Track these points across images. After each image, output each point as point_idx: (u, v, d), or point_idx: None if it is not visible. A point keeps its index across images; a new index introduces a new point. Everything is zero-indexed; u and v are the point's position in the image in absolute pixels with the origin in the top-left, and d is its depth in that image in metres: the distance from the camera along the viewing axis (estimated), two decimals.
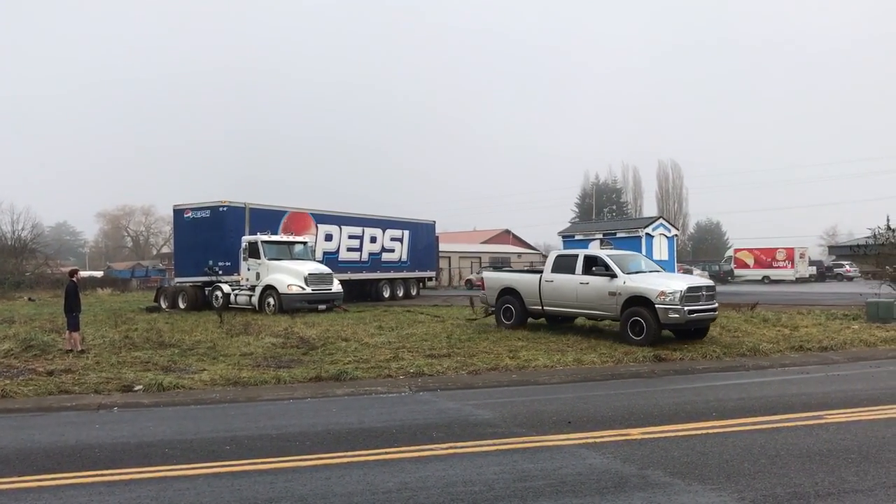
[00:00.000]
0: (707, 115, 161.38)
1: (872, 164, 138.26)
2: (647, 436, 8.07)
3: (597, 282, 16.87)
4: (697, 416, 9.13)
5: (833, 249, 77.08)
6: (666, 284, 15.73)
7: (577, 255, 18.03)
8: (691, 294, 15.58)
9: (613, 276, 16.53)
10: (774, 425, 8.54)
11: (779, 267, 57.74)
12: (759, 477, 6.40)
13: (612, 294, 16.44)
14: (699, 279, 17.51)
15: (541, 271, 18.82)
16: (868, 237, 26.56)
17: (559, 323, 19.46)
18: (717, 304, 16.79)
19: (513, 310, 19.26)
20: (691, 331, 16.46)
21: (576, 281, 17.41)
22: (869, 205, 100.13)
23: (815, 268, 63.18)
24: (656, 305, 15.46)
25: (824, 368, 13.64)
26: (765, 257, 60.23)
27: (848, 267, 61.46)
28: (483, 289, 20.55)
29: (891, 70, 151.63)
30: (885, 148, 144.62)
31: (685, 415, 9.22)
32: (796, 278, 57.11)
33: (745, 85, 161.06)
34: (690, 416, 9.15)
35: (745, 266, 59.78)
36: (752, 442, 7.74)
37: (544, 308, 18.44)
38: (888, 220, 23.92)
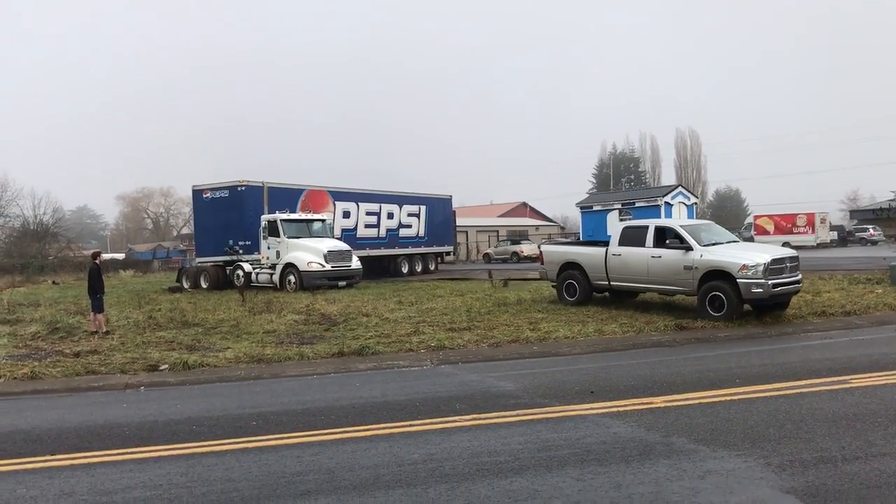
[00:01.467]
0: (725, 81, 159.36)
1: (893, 127, 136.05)
2: (670, 404, 8.07)
3: (670, 255, 15.85)
4: (721, 383, 9.11)
5: (855, 214, 76.29)
6: (748, 257, 14.84)
7: (647, 227, 16.90)
8: (775, 266, 14.76)
9: (689, 248, 15.53)
10: (799, 391, 8.50)
11: (799, 233, 57.10)
12: (784, 442, 6.39)
13: (688, 268, 15.44)
14: (783, 250, 16.55)
15: (606, 244, 17.85)
16: (891, 199, 26.21)
17: (625, 298, 18.32)
18: (800, 276, 15.95)
19: (576, 285, 18.13)
20: (770, 305, 15.44)
21: (647, 254, 16.36)
22: (891, 167, 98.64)
23: (836, 233, 62.44)
24: (738, 279, 14.51)
25: (848, 333, 13.55)
26: (785, 223, 59.60)
27: (872, 230, 60.62)
28: (542, 263, 19.55)
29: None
30: None
31: (708, 382, 9.20)
32: (817, 244, 56.48)
33: (762, 48, 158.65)
34: (713, 383, 9.13)
35: (766, 232, 59.15)
36: (776, 407, 7.73)
37: (611, 283, 17.39)
38: None
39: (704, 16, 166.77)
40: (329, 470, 6.08)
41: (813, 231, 57.64)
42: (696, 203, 39.25)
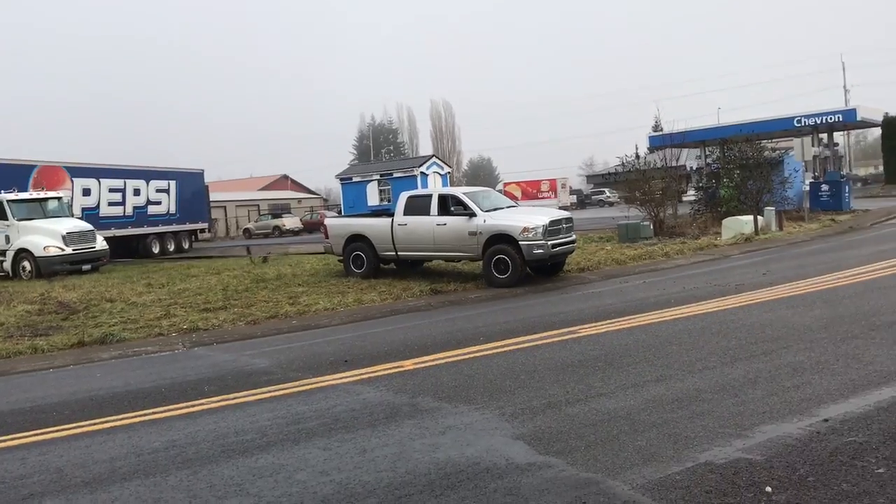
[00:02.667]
0: (475, 54, 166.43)
1: (623, 97, 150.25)
2: (419, 366, 8.38)
3: (455, 222, 16.00)
4: (467, 341, 9.60)
5: (590, 178, 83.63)
6: (528, 220, 15.29)
7: (430, 196, 16.98)
8: (553, 227, 15.36)
9: (472, 214, 15.75)
10: (535, 343, 9.19)
11: (544, 197, 61.56)
12: (518, 392, 6.89)
13: (473, 234, 15.65)
14: (558, 212, 17.06)
15: (392, 214, 17.50)
16: (618, 165, 28.94)
17: (411, 268, 18.29)
18: (575, 237, 16.73)
19: (363, 257, 17.73)
20: (549, 266, 16.24)
21: (432, 223, 16.38)
22: (621, 134, 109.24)
23: (575, 196, 68.19)
24: (520, 242, 14.95)
25: (581, 288, 14.84)
26: (531, 189, 64.00)
27: (608, 193, 66.74)
28: (326, 237, 18.86)
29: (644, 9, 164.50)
30: (634, 79, 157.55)
31: (456, 342, 9.66)
32: (559, 206, 61.30)
33: (500, 22, 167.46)
34: (460, 342, 9.61)
35: (515, 198, 62.98)
36: (514, 360, 8.30)
37: (398, 254, 17.26)
38: (636, 149, 26.25)
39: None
40: (58, 469, 5.63)
41: (556, 195, 62.36)
42: (449, 172, 40.77)
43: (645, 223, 23.82)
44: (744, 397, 6.18)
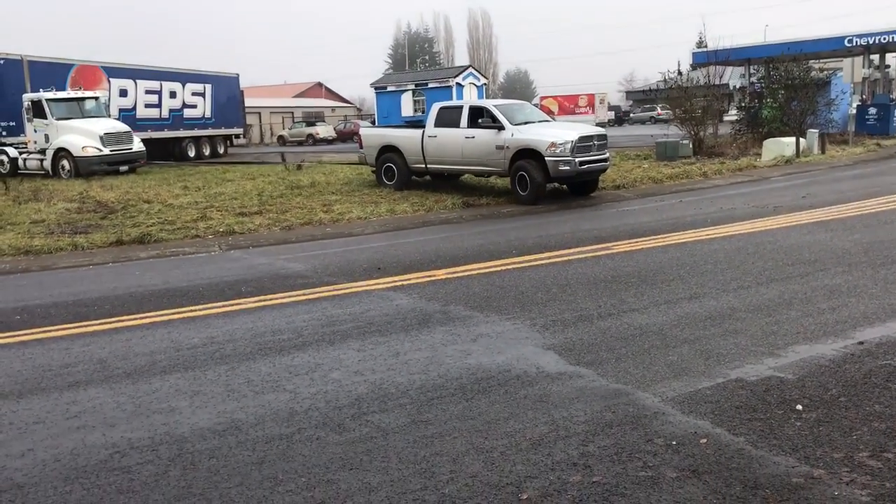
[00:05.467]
0: None
1: (667, 11, 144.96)
2: (451, 275, 8.44)
3: (483, 135, 15.54)
4: (499, 254, 9.62)
5: (630, 94, 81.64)
6: (556, 135, 14.74)
7: (461, 107, 16.55)
8: (583, 144, 14.76)
9: (501, 128, 15.27)
10: (567, 258, 9.18)
11: (581, 112, 60.40)
12: (550, 305, 6.92)
13: (500, 148, 15.21)
14: (590, 128, 16.47)
15: (424, 126, 17.10)
16: (660, 81, 28.21)
17: (445, 181, 17.85)
18: (608, 154, 16.10)
19: (395, 169, 17.50)
20: (581, 184, 15.83)
21: (461, 135, 15.96)
22: (663, 50, 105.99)
23: (613, 113, 66.82)
24: (546, 158, 14.48)
25: (616, 205, 14.72)
26: (568, 104, 62.81)
27: (660, 109, 65.12)
28: (360, 146, 18.70)
29: None
30: None
31: (488, 254, 9.69)
32: (597, 123, 60.14)
33: None
34: (493, 255, 9.63)
35: (551, 113, 61.86)
36: (546, 274, 8.31)
37: (428, 166, 16.99)
38: (678, 65, 25.53)
39: None
40: (101, 360, 5.83)
41: (593, 111, 61.19)
42: (486, 84, 40.17)
43: (684, 142, 23.37)
44: (778, 317, 6.15)
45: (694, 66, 30.02)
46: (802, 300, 6.66)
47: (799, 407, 4.34)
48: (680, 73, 25.29)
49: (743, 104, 29.79)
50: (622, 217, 13.02)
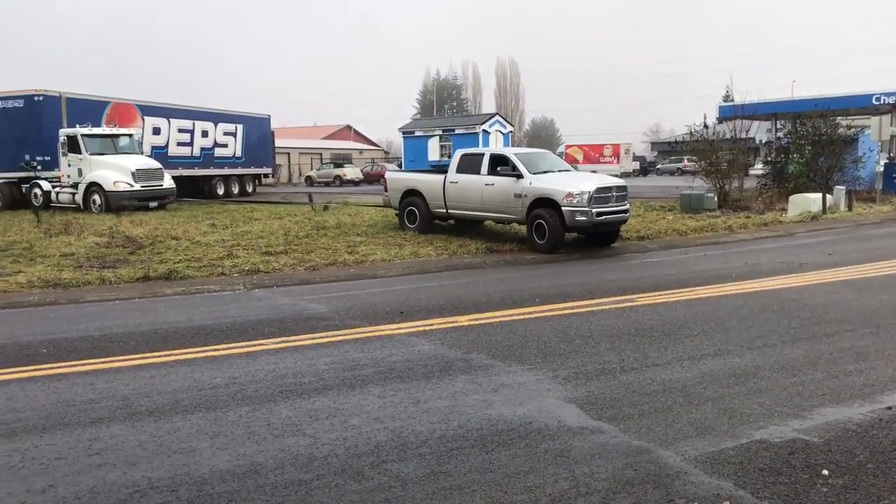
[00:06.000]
0: (545, 13, 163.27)
1: (694, 65, 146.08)
2: (473, 322, 8.44)
3: (502, 183, 15.69)
4: (522, 302, 9.61)
5: (655, 145, 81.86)
6: (574, 185, 14.81)
7: (482, 154, 16.79)
8: (600, 195, 14.78)
9: (520, 176, 15.40)
10: (591, 309, 9.15)
11: (606, 162, 60.59)
12: (572, 356, 6.89)
13: (518, 196, 15.33)
14: (609, 179, 16.43)
15: (446, 171, 17.42)
16: (686, 134, 28.30)
17: (468, 226, 17.81)
18: (628, 206, 16.11)
19: (417, 212, 17.70)
20: (601, 235, 15.81)
21: (481, 182, 16.17)
22: (689, 103, 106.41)
23: (638, 163, 66.97)
24: (563, 207, 14.53)
25: (640, 256, 14.68)
26: (593, 153, 63.07)
27: (686, 161, 65.14)
28: (386, 190, 19.01)
29: None
30: (707, 47, 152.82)
31: (511, 301, 9.68)
32: (621, 173, 60.20)
33: None
34: (516, 302, 9.62)
35: (575, 161, 62.11)
36: (569, 324, 8.29)
37: (449, 211, 17.15)
38: (704, 118, 25.62)
39: None
40: (124, 396, 5.87)
41: (618, 161, 61.37)
42: (512, 131, 40.48)
43: (709, 194, 23.33)
44: (803, 378, 6.08)
45: (720, 120, 30.12)
46: (829, 361, 6.57)
47: (825, 472, 4.26)
48: (706, 125, 25.38)
49: (769, 159, 29.73)
50: (646, 268, 12.97)
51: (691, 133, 25.52)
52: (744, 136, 26.37)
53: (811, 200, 21.81)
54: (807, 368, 6.35)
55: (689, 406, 5.44)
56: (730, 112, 28.93)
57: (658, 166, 69.54)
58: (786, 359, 6.67)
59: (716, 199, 23.32)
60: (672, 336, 7.62)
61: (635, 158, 67.11)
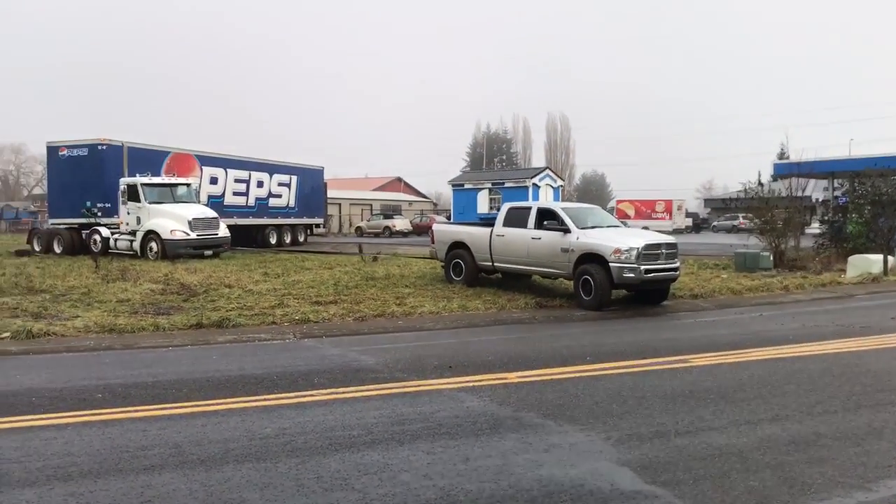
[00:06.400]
0: (596, 67, 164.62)
1: (748, 122, 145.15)
2: (523, 379, 8.35)
3: (549, 237, 15.56)
4: (573, 360, 9.49)
5: (708, 202, 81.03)
6: (622, 241, 14.63)
7: (530, 208, 16.78)
8: (649, 252, 14.57)
9: (567, 230, 15.26)
10: (644, 368, 8.99)
11: (658, 218, 60.16)
12: (625, 417, 6.76)
13: (565, 251, 15.16)
14: (659, 236, 16.21)
15: (493, 224, 17.34)
16: (740, 191, 28.00)
17: (516, 280, 17.78)
18: (679, 264, 15.77)
19: (463, 265, 17.70)
20: (650, 293, 15.57)
21: (527, 236, 16.07)
22: (743, 159, 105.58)
23: (691, 220, 66.29)
24: (610, 263, 14.29)
25: (694, 315, 14.43)
26: (645, 209, 62.73)
27: (742, 219, 64.22)
28: (433, 242, 19.12)
29: (763, 33, 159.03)
30: (758, 106, 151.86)
31: (561, 359, 9.57)
32: (673, 229, 59.62)
33: (630, 39, 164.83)
34: (566, 359, 9.51)
35: (627, 217, 61.93)
36: (621, 384, 8.15)
37: (495, 264, 17.07)
38: (759, 175, 25.36)
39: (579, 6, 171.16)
40: (176, 444, 5.93)
41: (670, 217, 60.88)
42: (562, 186, 40.60)
43: (764, 253, 22.90)
44: (867, 447, 5.85)
45: (775, 177, 29.82)
46: (894, 430, 6.32)
47: None
48: (761, 183, 25.08)
49: (826, 218, 29.18)
50: (700, 328, 12.74)
51: (746, 190, 25.21)
52: (800, 194, 25.95)
53: (871, 261, 21.26)
54: (871, 438, 6.12)
55: (747, 473, 5.27)
56: (785, 170, 28.62)
57: (714, 224, 68.65)
58: (848, 427, 6.44)
59: (771, 258, 22.88)
60: (728, 399, 7.43)
61: (688, 215, 66.50)
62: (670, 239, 15.90)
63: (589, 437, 6.15)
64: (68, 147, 30.08)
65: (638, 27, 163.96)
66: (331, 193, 51.57)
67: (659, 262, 14.85)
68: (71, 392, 7.81)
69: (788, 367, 9.07)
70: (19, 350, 10.34)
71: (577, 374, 8.62)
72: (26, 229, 42.59)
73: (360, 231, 60.23)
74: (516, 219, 16.71)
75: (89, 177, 29.13)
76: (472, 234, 17.82)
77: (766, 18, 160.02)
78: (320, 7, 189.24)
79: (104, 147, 29.17)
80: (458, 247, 17.97)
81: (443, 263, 18.71)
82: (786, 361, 9.39)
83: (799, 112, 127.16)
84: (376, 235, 56.62)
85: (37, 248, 29.71)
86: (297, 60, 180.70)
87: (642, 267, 14.35)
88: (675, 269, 15.56)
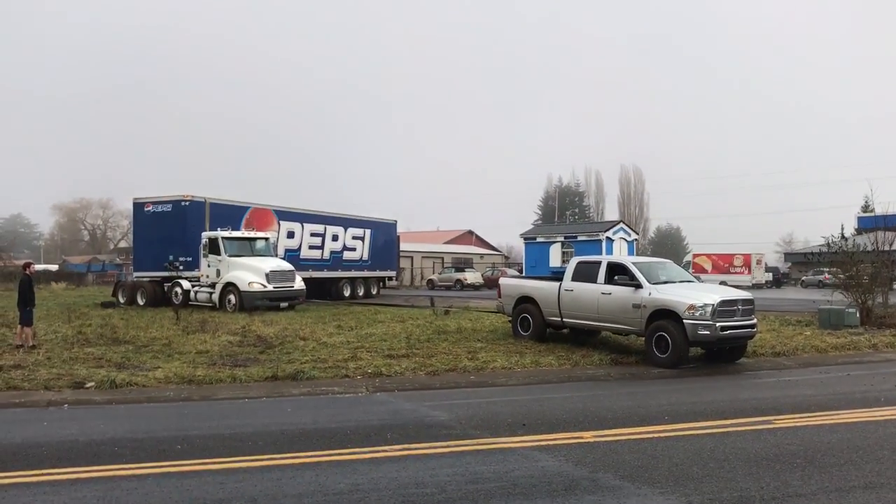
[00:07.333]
0: (671, 121, 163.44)
1: (829, 173, 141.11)
2: (599, 439, 8.16)
3: (620, 292, 15.24)
4: (650, 419, 9.24)
5: (789, 256, 78.62)
6: (696, 297, 14.20)
7: (600, 263, 16.45)
8: (725, 308, 14.09)
9: (638, 286, 14.93)
10: (725, 429, 8.68)
11: (736, 272, 58.60)
12: (706, 481, 6.51)
13: (636, 306, 14.82)
14: (735, 291, 15.74)
15: (561, 279, 17.15)
16: (822, 245, 27.09)
17: (588, 336, 17.59)
18: (755, 321, 15.24)
19: (530, 319, 17.46)
20: (726, 350, 15.05)
21: (597, 291, 15.77)
22: (823, 213, 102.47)
23: (771, 274, 64.34)
24: (684, 320, 13.90)
25: (776, 374, 13.91)
26: (723, 263, 61.20)
27: (827, 274, 62.40)
28: (499, 296, 18.92)
29: (842, 84, 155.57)
30: (840, 159, 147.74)
31: (638, 418, 9.33)
32: (752, 284, 57.95)
33: (706, 93, 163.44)
34: (643, 419, 9.26)
35: (703, 271, 60.53)
36: (701, 446, 7.87)
37: (563, 320, 16.72)
38: (842, 229, 24.48)
39: (653, 56, 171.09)
40: (252, 498, 5.97)
41: (749, 271, 59.24)
42: (636, 239, 40.08)
43: (850, 310, 21.99)
44: None
45: (859, 231, 28.80)
46: None
47: None
48: (844, 237, 24.24)
49: None
50: (783, 388, 12.26)
51: (829, 244, 24.39)
52: (887, 248, 24.96)
53: None
54: None
55: None
56: (870, 223, 27.68)
57: (802, 278, 66.48)
58: None
59: (857, 314, 21.95)
60: (815, 464, 7.09)
61: (768, 269, 64.56)
62: (746, 295, 15.38)
63: (668, 500, 5.94)
64: (153, 203, 31.35)
65: (718, 83, 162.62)
66: (403, 246, 52.18)
67: (735, 318, 14.37)
68: (151, 443, 7.99)
69: (881, 430, 8.62)
70: (103, 399, 10.68)
71: (656, 435, 8.38)
72: (112, 282, 44.29)
73: (431, 284, 60.52)
74: (586, 273, 16.45)
75: (172, 231, 30.24)
76: (540, 289, 17.62)
77: (845, 75, 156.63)
78: (401, 69, 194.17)
79: (187, 203, 30.29)
80: (525, 301, 17.78)
81: (510, 318, 18.52)
82: (878, 424, 8.94)
83: (883, 164, 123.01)
84: (448, 288, 56.76)
85: (121, 300, 30.81)
86: (383, 119, 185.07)
87: (718, 324, 13.88)
88: (753, 326, 15.02)
